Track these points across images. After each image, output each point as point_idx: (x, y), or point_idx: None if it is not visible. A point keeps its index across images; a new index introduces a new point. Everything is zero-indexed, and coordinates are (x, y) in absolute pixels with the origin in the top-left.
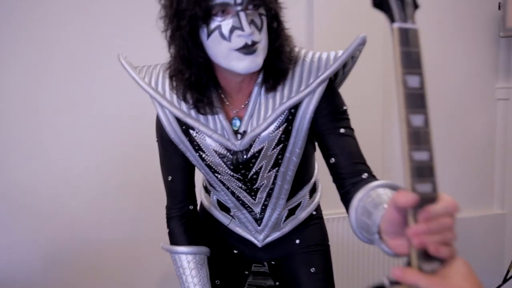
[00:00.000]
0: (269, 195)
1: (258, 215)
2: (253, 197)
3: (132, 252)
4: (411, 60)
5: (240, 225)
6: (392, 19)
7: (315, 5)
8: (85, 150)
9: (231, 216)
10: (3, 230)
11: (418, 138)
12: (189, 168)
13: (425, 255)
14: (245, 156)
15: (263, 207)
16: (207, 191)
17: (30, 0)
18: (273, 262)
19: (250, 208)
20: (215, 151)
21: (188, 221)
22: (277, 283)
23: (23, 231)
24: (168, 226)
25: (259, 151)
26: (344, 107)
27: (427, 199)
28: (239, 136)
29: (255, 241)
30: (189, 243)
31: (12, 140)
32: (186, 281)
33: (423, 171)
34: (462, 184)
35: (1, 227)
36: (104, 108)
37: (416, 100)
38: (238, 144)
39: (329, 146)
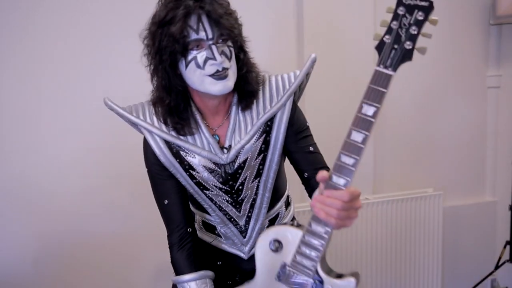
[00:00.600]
0: (252, 206)
1: (243, 227)
2: (238, 210)
3: (125, 245)
4: (374, 95)
5: (226, 241)
6: (377, 63)
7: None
8: (77, 143)
9: (216, 234)
10: None
11: (351, 147)
12: (183, 189)
13: (317, 218)
14: (232, 168)
15: (247, 218)
16: None
17: None
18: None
19: (236, 221)
20: (205, 167)
21: (189, 246)
22: None
23: (15, 224)
24: (171, 255)
25: (244, 162)
26: (307, 124)
27: (337, 187)
28: (225, 150)
29: (241, 254)
30: (191, 269)
31: (2, 133)
32: None
33: (342, 169)
34: (454, 172)
35: None
36: (97, 101)
37: (363, 123)
38: (225, 158)
39: (301, 163)
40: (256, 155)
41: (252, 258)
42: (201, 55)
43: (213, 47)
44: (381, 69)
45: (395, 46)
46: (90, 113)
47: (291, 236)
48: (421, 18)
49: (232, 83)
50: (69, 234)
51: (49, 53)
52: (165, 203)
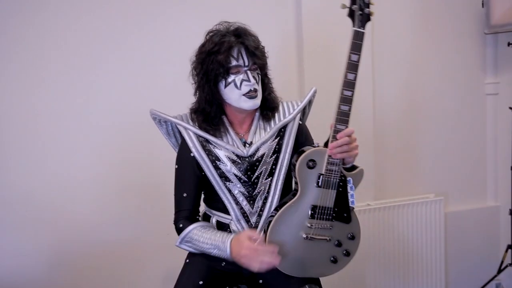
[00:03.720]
0: (264, 204)
1: (253, 225)
2: (252, 205)
3: (133, 254)
4: (356, 46)
5: None
6: (353, 25)
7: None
8: (85, 155)
9: (228, 233)
10: (5, 234)
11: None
12: (201, 187)
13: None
14: (251, 160)
15: (258, 217)
16: (206, 217)
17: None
18: (260, 281)
19: (248, 217)
20: (229, 158)
21: (196, 221)
22: None
23: (25, 235)
24: (177, 226)
25: (262, 157)
26: (315, 142)
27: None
28: (247, 145)
29: None
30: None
31: (11, 143)
32: (208, 242)
33: (342, 119)
34: (457, 179)
35: (3, 231)
36: (103, 113)
37: (352, 67)
38: (246, 151)
39: None
40: (271, 153)
41: None
42: (238, 78)
43: (248, 72)
44: (357, 28)
45: (360, 12)
46: (103, 127)
47: (320, 154)
48: None
49: (259, 101)
50: (80, 243)
51: (65, 66)
52: (184, 195)
